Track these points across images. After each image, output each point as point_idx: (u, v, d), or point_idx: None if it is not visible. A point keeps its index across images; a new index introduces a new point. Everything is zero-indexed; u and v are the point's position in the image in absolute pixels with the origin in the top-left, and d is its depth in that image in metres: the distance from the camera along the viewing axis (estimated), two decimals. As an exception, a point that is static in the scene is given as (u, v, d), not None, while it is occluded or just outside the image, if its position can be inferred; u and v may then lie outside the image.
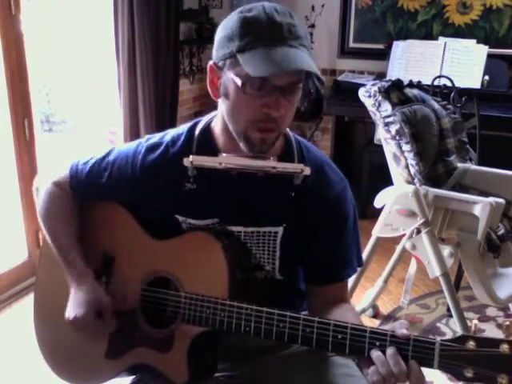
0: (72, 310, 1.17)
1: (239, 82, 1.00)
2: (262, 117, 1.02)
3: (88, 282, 1.19)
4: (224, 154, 1.09)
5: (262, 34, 0.98)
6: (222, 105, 1.08)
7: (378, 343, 0.95)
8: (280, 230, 1.15)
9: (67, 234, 1.23)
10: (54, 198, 1.24)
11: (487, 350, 0.87)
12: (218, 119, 1.13)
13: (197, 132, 1.16)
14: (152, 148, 1.17)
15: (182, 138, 1.16)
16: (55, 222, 1.24)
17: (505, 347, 0.86)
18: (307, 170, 1.09)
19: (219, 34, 1.04)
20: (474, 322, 1.00)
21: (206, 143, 1.14)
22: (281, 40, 0.98)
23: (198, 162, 1.10)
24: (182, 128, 1.19)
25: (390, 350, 0.92)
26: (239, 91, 1.01)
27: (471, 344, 0.88)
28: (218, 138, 1.14)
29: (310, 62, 0.99)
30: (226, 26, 1.03)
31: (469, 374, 0.88)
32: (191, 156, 1.10)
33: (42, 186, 1.26)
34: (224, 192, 1.14)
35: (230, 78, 1.02)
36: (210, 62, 1.06)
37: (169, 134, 1.20)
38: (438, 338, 0.91)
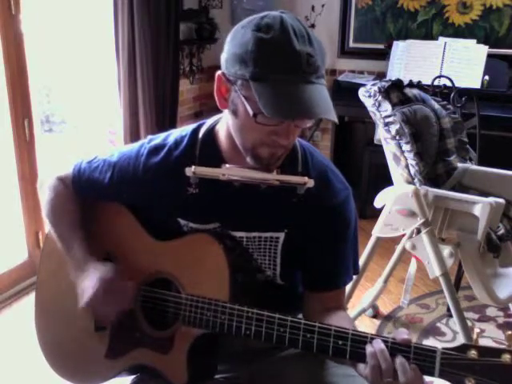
0: (85, 295, 1.13)
1: (251, 111, 0.96)
2: (270, 142, 1.01)
3: (92, 265, 1.16)
4: (227, 165, 1.07)
5: (279, 64, 0.93)
6: (229, 118, 1.05)
7: None
8: (281, 235, 1.14)
9: (70, 225, 1.22)
10: (58, 192, 1.24)
11: (489, 359, 0.86)
12: (222, 124, 1.11)
13: (200, 135, 1.13)
14: (154, 150, 1.16)
15: (185, 141, 1.14)
16: (58, 214, 1.24)
17: (506, 357, 0.86)
18: (310, 183, 1.06)
19: (232, 46, 0.98)
20: (475, 331, 1.00)
21: (209, 147, 1.12)
22: (299, 75, 0.94)
23: (200, 172, 1.08)
24: (186, 130, 1.17)
25: (399, 359, 0.91)
26: (249, 118, 0.98)
27: (473, 353, 0.87)
28: (221, 143, 1.12)
29: (326, 104, 0.96)
30: (239, 40, 0.96)
31: (470, 383, 0.87)
32: (193, 166, 1.08)
33: (46, 182, 1.26)
34: (226, 198, 1.12)
35: (241, 101, 0.98)
36: (219, 72, 1.02)
37: (172, 135, 1.17)
38: (440, 347, 0.91)
